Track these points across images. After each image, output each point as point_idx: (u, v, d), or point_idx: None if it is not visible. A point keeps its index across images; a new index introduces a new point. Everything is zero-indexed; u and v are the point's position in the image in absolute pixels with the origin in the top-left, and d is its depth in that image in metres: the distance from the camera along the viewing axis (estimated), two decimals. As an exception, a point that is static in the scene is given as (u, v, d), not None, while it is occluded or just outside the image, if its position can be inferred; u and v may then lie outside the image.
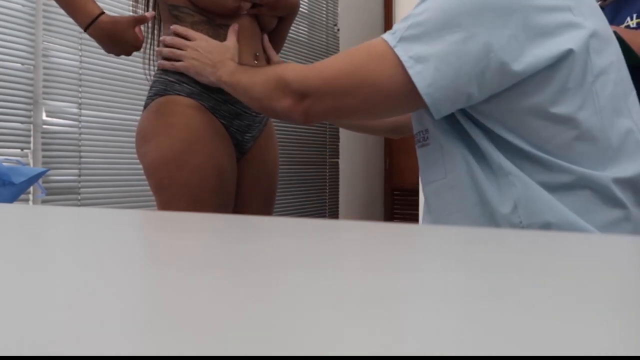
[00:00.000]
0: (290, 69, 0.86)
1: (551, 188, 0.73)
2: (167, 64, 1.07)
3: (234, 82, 0.96)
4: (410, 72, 0.72)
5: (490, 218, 0.75)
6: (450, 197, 0.80)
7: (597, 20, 0.77)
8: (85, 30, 1.10)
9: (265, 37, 1.20)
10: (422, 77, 0.72)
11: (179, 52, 1.05)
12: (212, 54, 1.03)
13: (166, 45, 1.08)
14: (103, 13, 1.09)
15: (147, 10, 1.20)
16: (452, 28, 0.71)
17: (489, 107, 0.74)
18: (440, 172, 0.81)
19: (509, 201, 0.73)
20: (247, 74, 0.95)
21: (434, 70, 0.71)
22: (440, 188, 0.81)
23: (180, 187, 1.05)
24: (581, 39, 0.72)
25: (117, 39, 1.11)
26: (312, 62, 3.68)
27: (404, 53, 0.72)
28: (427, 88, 0.72)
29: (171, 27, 1.09)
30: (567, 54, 0.71)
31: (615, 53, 0.78)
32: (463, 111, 0.77)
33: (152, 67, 1.22)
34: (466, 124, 0.77)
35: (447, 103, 0.73)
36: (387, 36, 0.76)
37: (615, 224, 0.73)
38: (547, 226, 0.72)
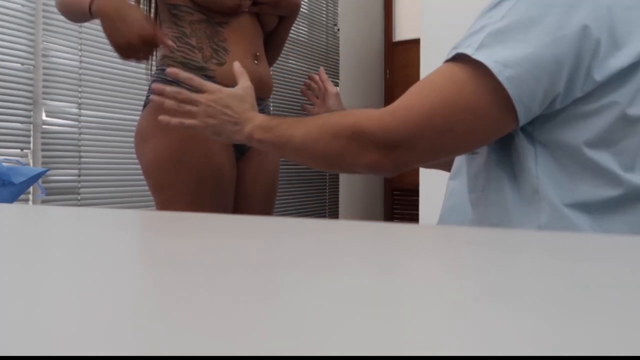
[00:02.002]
0: (364, 118, 0.75)
1: (603, 204, 0.69)
2: (175, 121, 0.90)
3: (277, 140, 0.83)
4: (500, 77, 0.65)
5: None
6: (482, 211, 0.77)
7: None
8: (89, 8, 0.99)
9: (322, 70, 1.17)
10: (514, 82, 0.65)
11: (189, 107, 0.90)
12: (231, 108, 0.89)
13: (167, 96, 0.92)
14: None
15: (149, 11, 1.20)
16: (542, 29, 0.66)
17: (562, 109, 0.70)
18: (479, 185, 0.78)
19: (533, 226, 0.70)
20: (297, 129, 0.81)
21: (527, 75, 0.65)
22: (477, 200, 0.79)
23: (178, 187, 1.05)
24: None
25: (123, 15, 0.96)
26: (312, 62, 3.64)
27: (489, 59, 0.66)
28: (518, 95, 0.66)
29: (167, 70, 0.95)
30: None
31: None
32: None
33: (152, 68, 1.22)
34: (518, 137, 0.72)
35: (536, 108, 0.68)
36: (461, 49, 0.69)
37: None
38: None
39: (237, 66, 0.97)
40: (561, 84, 0.67)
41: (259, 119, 0.87)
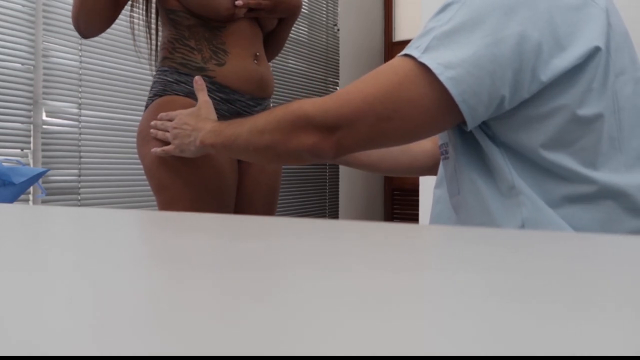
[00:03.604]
0: (308, 104, 0.77)
1: (572, 199, 0.71)
2: (159, 151, 1.04)
3: (226, 140, 0.87)
4: (442, 78, 0.67)
5: None
6: (464, 214, 0.78)
7: (615, 14, 0.75)
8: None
9: None
10: (455, 82, 0.68)
11: (167, 134, 1.02)
12: (187, 124, 0.97)
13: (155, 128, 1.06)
14: None
15: (146, 15, 1.20)
16: (483, 32, 0.68)
17: (513, 112, 0.71)
18: (455, 189, 0.79)
19: (516, 220, 0.71)
20: (244, 126, 0.84)
21: (467, 75, 0.68)
22: (457, 204, 0.80)
23: (180, 188, 1.05)
24: (604, 33, 0.70)
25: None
26: (312, 62, 3.64)
27: (432, 61, 0.68)
28: (461, 95, 0.68)
29: (159, 116, 1.05)
30: (595, 52, 0.69)
31: (628, 51, 0.75)
32: (480, 125, 0.74)
33: (154, 68, 1.22)
34: (482, 139, 0.74)
35: (482, 109, 0.69)
36: (409, 51, 0.71)
37: (637, 232, 0.70)
38: None
39: (197, 82, 1.04)
40: (505, 85, 0.68)
41: (210, 125, 0.93)
